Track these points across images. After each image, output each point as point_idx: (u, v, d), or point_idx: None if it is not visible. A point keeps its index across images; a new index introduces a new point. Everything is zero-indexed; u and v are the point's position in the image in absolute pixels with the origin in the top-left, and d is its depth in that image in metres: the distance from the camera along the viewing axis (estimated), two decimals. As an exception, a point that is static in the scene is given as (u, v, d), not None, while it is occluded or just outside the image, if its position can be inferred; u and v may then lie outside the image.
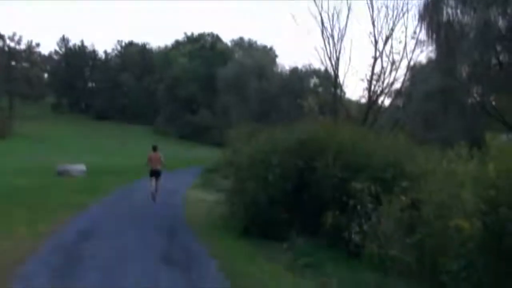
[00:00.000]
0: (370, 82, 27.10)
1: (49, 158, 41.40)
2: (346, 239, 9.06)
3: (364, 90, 27.52)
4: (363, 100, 28.51)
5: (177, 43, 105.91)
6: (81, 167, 28.00)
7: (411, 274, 7.25)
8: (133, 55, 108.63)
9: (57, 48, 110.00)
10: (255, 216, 11.44)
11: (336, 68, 27.26)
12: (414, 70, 29.54)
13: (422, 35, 28.54)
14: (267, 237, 11.03)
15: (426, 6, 27.82)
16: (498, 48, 26.72)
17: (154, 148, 18.42)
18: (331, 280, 7.84)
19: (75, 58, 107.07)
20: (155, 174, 17.68)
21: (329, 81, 35.04)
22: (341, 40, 27.34)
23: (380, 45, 28.27)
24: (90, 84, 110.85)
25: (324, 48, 27.72)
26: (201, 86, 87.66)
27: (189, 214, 14.75)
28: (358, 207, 9.61)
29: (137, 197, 19.10)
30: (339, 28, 27.73)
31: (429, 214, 7.35)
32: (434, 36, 27.81)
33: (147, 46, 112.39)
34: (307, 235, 10.43)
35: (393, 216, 8.14)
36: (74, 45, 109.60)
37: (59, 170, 27.14)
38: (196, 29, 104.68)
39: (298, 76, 55.63)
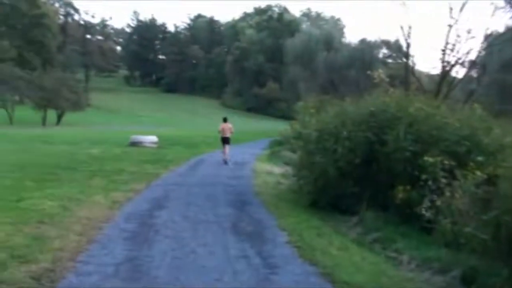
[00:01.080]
0: (444, 52, 25.98)
1: (122, 129, 42.87)
2: (417, 214, 8.84)
3: (437, 61, 26.42)
4: (436, 71, 27.40)
5: (245, 15, 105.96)
6: (153, 138, 28.77)
7: (486, 252, 6.98)
8: (202, 28, 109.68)
9: (130, 22, 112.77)
10: (323, 189, 11.37)
11: (408, 36, 26.36)
12: (491, 39, 28.06)
13: (501, 1, 27.05)
14: (336, 211, 10.97)
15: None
16: None
17: (225, 120, 21.90)
18: (402, 256, 7.71)
19: (146, 31, 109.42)
20: (226, 141, 21.25)
21: (400, 51, 33.97)
22: (414, 8, 26.26)
23: (456, 12, 26.89)
24: (160, 57, 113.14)
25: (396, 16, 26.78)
26: (268, 57, 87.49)
27: (257, 186, 14.86)
28: (430, 182, 9.34)
29: (207, 168, 19.49)
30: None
31: (507, 189, 7.02)
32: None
33: (216, 19, 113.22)
34: (377, 209, 10.27)
35: (468, 191, 7.84)
36: (145, 19, 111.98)
37: (132, 140, 28.02)
38: (263, 2, 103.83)
39: (367, 46, 54.22)
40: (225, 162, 20.56)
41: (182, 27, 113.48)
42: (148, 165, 18.43)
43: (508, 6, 26.30)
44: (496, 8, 25.68)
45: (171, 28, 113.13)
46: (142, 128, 43.84)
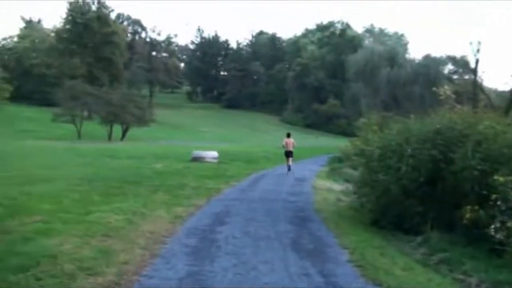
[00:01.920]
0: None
1: (185, 144, 43.68)
2: (486, 236, 8.49)
3: (509, 77, 25.51)
4: (507, 87, 26.44)
5: (307, 31, 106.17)
6: (214, 153, 29.14)
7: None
8: (264, 44, 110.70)
9: (193, 39, 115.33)
10: (386, 207, 11.15)
11: (477, 52, 25.64)
12: None
13: None
14: (399, 230, 10.70)
15: None
16: None
17: (288, 135, 24.82)
18: (470, 278, 7.42)
19: (209, 48, 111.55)
20: (289, 154, 23.87)
21: (467, 67, 33.03)
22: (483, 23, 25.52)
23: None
24: (222, 73, 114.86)
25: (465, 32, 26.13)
26: (329, 73, 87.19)
27: (317, 203, 14.75)
28: (500, 202, 8.97)
29: (267, 184, 19.52)
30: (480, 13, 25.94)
31: None
32: None
33: (277, 35, 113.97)
34: (442, 229, 9.96)
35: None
36: (208, 35, 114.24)
37: (194, 156, 28.48)
38: (326, 18, 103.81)
39: (431, 62, 53.09)
40: (289, 169, 23.32)
41: (244, 43, 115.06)
42: (209, 180, 18.65)
43: None
44: None
45: (233, 44, 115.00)
46: (203, 143, 44.52)
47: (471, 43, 25.59)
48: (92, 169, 20.38)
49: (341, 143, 25.09)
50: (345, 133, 55.76)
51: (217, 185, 17.57)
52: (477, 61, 26.15)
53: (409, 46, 79.79)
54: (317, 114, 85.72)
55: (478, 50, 25.44)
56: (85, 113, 56.23)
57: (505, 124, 11.00)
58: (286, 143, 24.07)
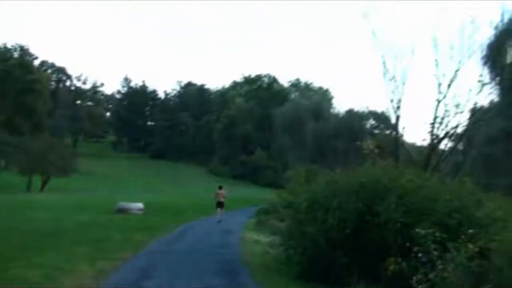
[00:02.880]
0: (432, 125, 26.59)
1: (109, 195, 42.49)
2: (410, 287, 8.73)
3: (426, 133, 26.97)
4: (425, 143, 27.89)
5: (235, 84, 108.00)
6: (140, 205, 28.54)
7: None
8: (192, 95, 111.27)
9: (120, 88, 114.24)
10: (313, 260, 11.26)
11: (397, 109, 26.97)
12: (478, 113, 28.84)
13: (487, 78, 27.91)
14: (326, 283, 10.80)
15: (490, 48, 27.38)
16: None
17: (220, 187, 27.58)
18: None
19: (137, 97, 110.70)
20: (220, 205, 26.45)
21: (388, 123, 34.56)
22: (403, 82, 27.10)
23: (444, 88, 27.77)
24: (149, 123, 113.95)
25: (386, 90, 27.56)
26: (257, 126, 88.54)
27: (244, 255, 14.69)
28: (421, 254, 9.29)
29: (195, 235, 19.29)
30: (402, 70, 27.53)
31: (500, 263, 7.02)
32: (498, 78, 27.24)
33: (206, 87, 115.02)
34: (368, 281, 10.14)
35: (461, 264, 7.82)
36: (136, 85, 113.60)
37: (119, 207, 27.76)
38: (253, 71, 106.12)
39: (354, 117, 55.14)
40: (219, 220, 25.30)
41: (173, 94, 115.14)
42: (134, 232, 18.18)
43: (493, 82, 27.19)
44: (483, 84, 26.50)
45: (161, 94, 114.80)
46: (128, 194, 43.47)
47: (391, 100, 26.86)
48: (8, 222, 19.33)
49: (268, 195, 25.37)
50: (272, 184, 56.28)
51: (143, 237, 17.15)
52: (397, 118, 27.48)
53: (334, 101, 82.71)
54: (244, 165, 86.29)
55: (398, 107, 26.80)
56: (2, 164, 53.78)
57: (425, 179, 11.54)
58: (218, 194, 26.79)
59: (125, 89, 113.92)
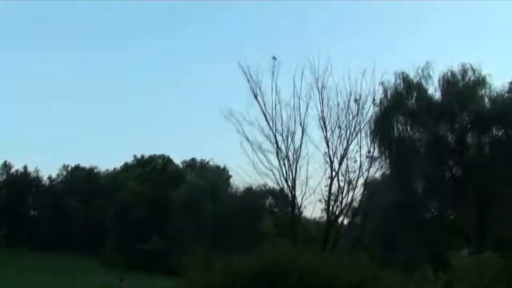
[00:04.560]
0: (328, 202, 27.88)
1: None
2: None
3: (322, 210, 28.19)
4: (323, 220, 29.15)
5: (126, 166, 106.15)
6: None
7: None
8: (80, 180, 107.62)
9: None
10: None
11: (292, 189, 27.99)
12: (371, 187, 30.59)
13: (376, 152, 29.88)
14: None
15: (377, 123, 29.50)
16: (450, 162, 28.25)
17: (122, 279, 31.13)
18: None
19: (18, 184, 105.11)
20: None
21: (286, 201, 35.58)
22: (297, 161, 28.31)
23: (336, 164, 29.35)
24: (32, 213, 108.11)
25: (280, 169, 28.60)
26: (152, 210, 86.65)
27: None
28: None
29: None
30: (294, 149, 28.80)
31: None
32: (387, 152, 29.26)
33: (95, 170, 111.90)
34: None
35: None
36: (17, 171, 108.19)
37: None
38: (146, 151, 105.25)
39: (253, 196, 56.08)
40: None
41: (59, 179, 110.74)
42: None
43: (383, 156, 29.10)
44: (373, 158, 28.29)
45: (45, 180, 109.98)
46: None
47: (286, 180, 27.93)
48: None
49: (167, 284, 24.73)
50: (171, 272, 54.87)
51: None
52: (293, 197, 28.53)
53: (232, 180, 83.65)
54: (139, 253, 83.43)
55: (293, 187, 27.93)
56: None
57: (323, 259, 11.97)
58: (120, 285, 30.02)
59: (4, 176, 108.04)
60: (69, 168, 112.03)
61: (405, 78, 28.81)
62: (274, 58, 31.84)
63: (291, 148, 29.56)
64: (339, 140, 30.25)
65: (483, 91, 27.96)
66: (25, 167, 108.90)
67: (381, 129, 29.12)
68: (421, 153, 28.45)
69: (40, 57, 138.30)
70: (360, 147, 30.54)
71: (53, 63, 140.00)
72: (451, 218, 30.59)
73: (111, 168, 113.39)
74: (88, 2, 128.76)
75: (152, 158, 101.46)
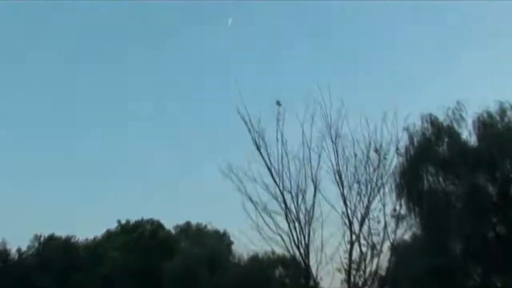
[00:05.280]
0: (348, 272, 27.32)
1: None
2: None
3: (342, 281, 27.64)
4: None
5: (109, 234, 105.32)
6: None
7: None
8: (55, 252, 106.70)
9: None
10: None
11: (306, 256, 27.46)
12: (399, 252, 30.00)
13: (403, 210, 29.37)
14: None
15: (403, 175, 29.09)
16: (493, 218, 27.66)
17: None
18: None
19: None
20: None
21: (298, 271, 34.90)
22: (309, 224, 27.84)
23: (356, 226, 28.88)
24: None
25: (290, 233, 28.13)
26: (141, 284, 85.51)
27: None
28: None
29: None
30: (306, 209, 28.39)
31: None
32: (417, 209, 28.74)
33: (72, 240, 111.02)
34: None
35: None
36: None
37: None
38: (131, 215, 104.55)
39: (259, 266, 55.28)
40: None
41: (30, 252, 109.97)
42: None
43: (412, 214, 28.60)
44: (401, 217, 27.83)
45: (14, 253, 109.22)
46: None
47: (298, 246, 27.47)
48: None
49: None
50: None
51: None
52: (306, 266, 28.04)
53: (234, 247, 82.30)
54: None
55: (306, 255, 27.45)
56: None
57: None
58: None
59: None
60: (42, 239, 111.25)
61: (433, 122, 28.63)
62: (278, 103, 31.73)
63: (302, 208, 29.23)
64: (358, 197, 29.94)
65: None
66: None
67: (408, 182, 28.74)
68: (457, 208, 27.96)
69: None
70: (384, 205, 30.20)
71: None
72: (497, 285, 29.81)
73: (91, 237, 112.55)
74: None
75: (139, 224, 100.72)
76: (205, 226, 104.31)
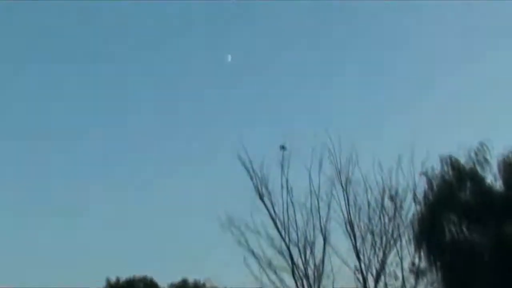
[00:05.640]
0: None
1: None
2: None
3: None
4: None
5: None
6: None
7: None
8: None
9: None
10: None
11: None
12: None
13: (423, 263, 28.82)
14: None
15: (422, 225, 28.45)
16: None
17: None
18: None
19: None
20: None
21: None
22: (319, 281, 27.44)
23: (371, 283, 28.47)
24: None
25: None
26: None
27: None
28: None
29: None
30: (315, 265, 27.97)
31: None
32: (438, 262, 28.04)
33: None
34: None
35: None
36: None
37: None
38: (122, 273, 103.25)
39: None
40: None
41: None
42: None
43: (434, 267, 27.92)
44: (420, 272, 27.14)
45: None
46: None
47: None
48: None
49: None
50: None
51: None
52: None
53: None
54: None
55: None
56: None
57: None
58: None
59: None
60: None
61: (454, 165, 28.09)
62: (282, 147, 31.40)
63: (311, 263, 28.88)
64: (373, 250, 29.53)
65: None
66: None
67: (428, 232, 28.14)
68: (483, 260, 27.23)
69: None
70: (401, 258, 29.70)
71: None
72: None
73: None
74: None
75: (131, 283, 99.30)
76: (204, 284, 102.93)
